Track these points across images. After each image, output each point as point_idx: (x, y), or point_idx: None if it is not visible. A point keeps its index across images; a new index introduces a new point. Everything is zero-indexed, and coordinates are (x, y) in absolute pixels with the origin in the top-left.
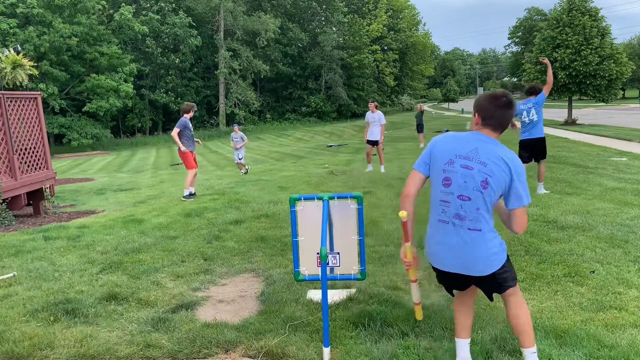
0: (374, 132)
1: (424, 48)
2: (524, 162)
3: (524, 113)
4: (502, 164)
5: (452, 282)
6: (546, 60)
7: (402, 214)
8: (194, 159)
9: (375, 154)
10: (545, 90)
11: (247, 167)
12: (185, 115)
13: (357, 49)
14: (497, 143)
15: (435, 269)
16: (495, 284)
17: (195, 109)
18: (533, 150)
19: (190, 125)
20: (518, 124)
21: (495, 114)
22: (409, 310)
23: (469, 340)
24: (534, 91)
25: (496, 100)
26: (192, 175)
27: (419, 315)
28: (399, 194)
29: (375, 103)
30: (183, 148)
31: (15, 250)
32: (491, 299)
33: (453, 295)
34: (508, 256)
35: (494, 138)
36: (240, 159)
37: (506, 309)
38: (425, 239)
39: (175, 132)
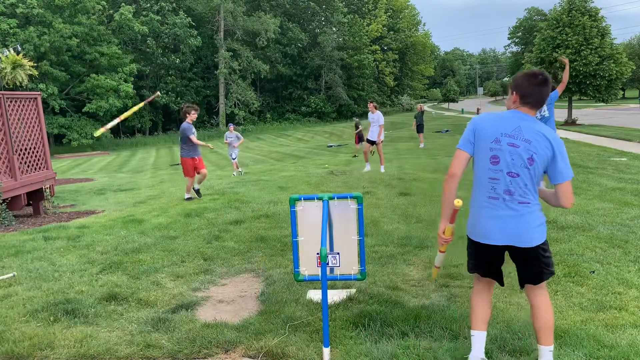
0: (373, 132)
1: (423, 48)
2: None
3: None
4: (544, 140)
5: (492, 261)
6: (566, 60)
7: (458, 202)
8: (196, 165)
9: (373, 153)
10: (559, 89)
11: (241, 170)
12: (187, 119)
13: (357, 49)
14: (537, 121)
15: (478, 248)
16: (538, 266)
17: (195, 111)
18: None
19: (194, 129)
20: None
21: (533, 92)
22: (409, 310)
23: (485, 333)
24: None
25: (533, 78)
26: (190, 182)
27: (434, 276)
28: (399, 194)
29: (374, 103)
30: (194, 152)
31: (15, 250)
32: (522, 285)
33: (486, 276)
34: (548, 246)
35: (532, 116)
36: (234, 159)
37: (535, 306)
38: (469, 219)
39: (193, 138)
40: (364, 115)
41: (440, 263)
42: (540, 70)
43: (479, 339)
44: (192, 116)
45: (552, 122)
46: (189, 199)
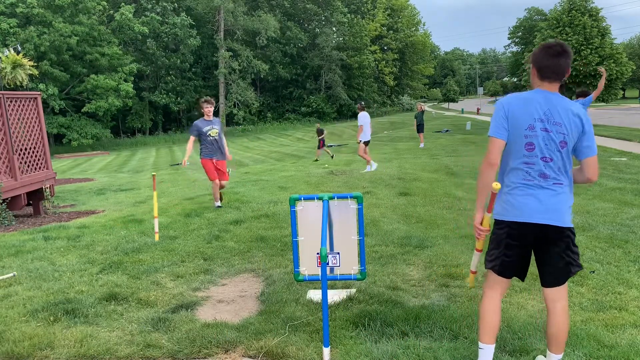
0: (365, 133)
1: (423, 48)
2: None
3: None
4: (574, 118)
5: (523, 246)
6: (603, 71)
7: (496, 185)
8: (217, 169)
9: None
10: (594, 95)
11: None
12: (205, 113)
13: (357, 50)
14: (563, 98)
15: (510, 232)
16: (568, 255)
17: (207, 104)
18: None
19: (207, 126)
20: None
21: (550, 64)
22: (409, 310)
23: (494, 347)
24: (582, 94)
25: (550, 49)
26: (215, 186)
27: (472, 284)
28: (399, 194)
29: (359, 105)
30: (185, 159)
31: (15, 250)
32: (547, 283)
33: (505, 275)
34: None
35: (556, 92)
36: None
37: (553, 313)
38: (497, 204)
39: (190, 140)
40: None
41: (476, 266)
42: (557, 41)
43: (487, 353)
44: (205, 110)
45: None
46: (219, 207)
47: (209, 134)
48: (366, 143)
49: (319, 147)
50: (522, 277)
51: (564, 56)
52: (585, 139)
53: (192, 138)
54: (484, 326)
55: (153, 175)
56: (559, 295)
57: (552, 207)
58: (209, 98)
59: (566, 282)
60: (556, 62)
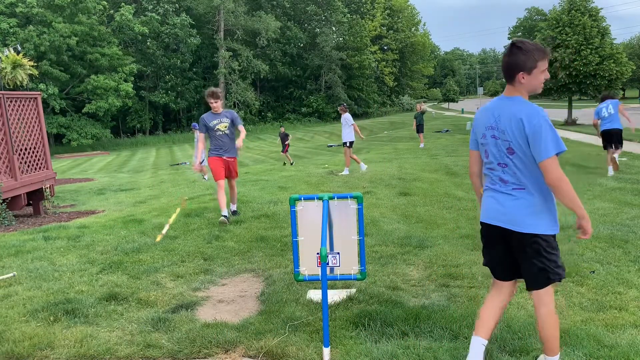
0: (347, 134)
1: (423, 48)
2: (604, 148)
3: (603, 109)
4: (518, 123)
5: (492, 245)
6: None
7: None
8: (227, 169)
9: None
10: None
11: (206, 176)
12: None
13: (358, 50)
14: (514, 102)
15: (482, 231)
16: (536, 262)
17: (212, 98)
18: (612, 138)
19: (214, 120)
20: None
21: (503, 65)
22: (409, 310)
23: (484, 342)
24: (608, 96)
25: (506, 50)
26: (219, 190)
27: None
28: (399, 194)
29: (342, 106)
30: (196, 160)
31: (15, 250)
32: (528, 287)
33: (496, 274)
34: (556, 243)
35: (515, 96)
36: (201, 163)
37: (537, 317)
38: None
39: (200, 138)
40: (364, 115)
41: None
42: (515, 39)
43: (474, 344)
44: (212, 105)
45: (618, 119)
46: (224, 219)
47: (217, 128)
48: (351, 144)
49: (284, 151)
50: (516, 277)
51: (510, 54)
52: (532, 143)
53: (201, 135)
54: (477, 319)
55: (183, 203)
56: (539, 301)
57: (509, 211)
58: (215, 90)
59: (548, 288)
60: (503, 62)
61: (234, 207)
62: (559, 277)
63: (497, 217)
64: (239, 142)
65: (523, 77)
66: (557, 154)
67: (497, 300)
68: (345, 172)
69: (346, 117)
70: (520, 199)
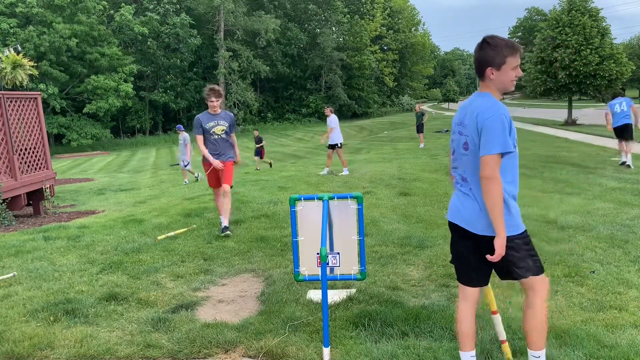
0: (333, 136)
1: (423, 48)
2: (619, 140)
3: (617, 106)
4: (474, 119)
5: (455, 243)
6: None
7: None
8: (223, 173)
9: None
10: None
11: (197, 174)
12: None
13: (358, 50)
14: (482, 97)
15: (449, 226)
16: (504, 260)
17: (213, 95)
18: (623, 133)
19: (211, 122)
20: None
21: (474, 60)
22: (409, 310)
23: (473, 353)
24: (619, 94)
25: (477, 46)
26: (217, 199)
27: (509, 354)
28: (399, 194)
29: (328, 107)
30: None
31: (15, 250)
32: (500, 276)
33: (460, 277)
34: (527, 241)
35: (485, 92)
36: (186, 166)
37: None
38: None
39: (199, 140)
40: (364, 115)
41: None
42: (486, 35)
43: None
44: (212, 104)
45: (630, 115)
46: (227, 232)
47: (213, 132)
48: (338, 146)
49: (259, 155)
50: (481, 283)
51: (478, 49)
52: (481, 138)
53: (199, 138)
54: (459, 336)
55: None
56: (523, 283)
57: (465, 211)
58: (215, 87)
59: (528, 280)
60: (474, 58)
61: (225, 222)
62: (526, 276)
63: (455, 216)
64: (237, 158)
65: (492, 73)
66: (501, 154)
67: (468, 309)
68: (345, 172)
69: (332, 119)
70: (477, 198)
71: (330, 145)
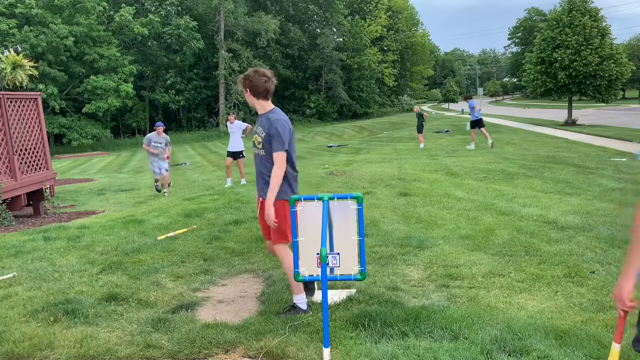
0: (234, 143)
1: (422, 49)
2: None
3: None
4: None
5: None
6: None
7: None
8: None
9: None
10: None
11: (165, 190)
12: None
13: (358, 50)
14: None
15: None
16: None
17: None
18: None
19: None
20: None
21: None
22: (409, 310)
23: None
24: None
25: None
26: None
27: None
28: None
29: (233, 114)
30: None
31: (15, 250)
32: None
33: None
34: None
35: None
36: (166, 170)
37: None
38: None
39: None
40: (364, 115)
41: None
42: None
43: None
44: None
45: None
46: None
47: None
48: (236, 155)
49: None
50: None
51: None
52: None
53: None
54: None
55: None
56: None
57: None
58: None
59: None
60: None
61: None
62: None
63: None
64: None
65: None
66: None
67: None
68: (243, 182)
69: (237, 124)
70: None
71: (234, 152)
